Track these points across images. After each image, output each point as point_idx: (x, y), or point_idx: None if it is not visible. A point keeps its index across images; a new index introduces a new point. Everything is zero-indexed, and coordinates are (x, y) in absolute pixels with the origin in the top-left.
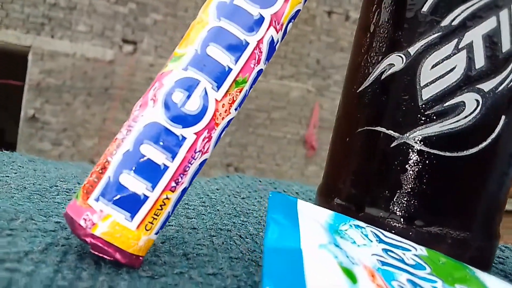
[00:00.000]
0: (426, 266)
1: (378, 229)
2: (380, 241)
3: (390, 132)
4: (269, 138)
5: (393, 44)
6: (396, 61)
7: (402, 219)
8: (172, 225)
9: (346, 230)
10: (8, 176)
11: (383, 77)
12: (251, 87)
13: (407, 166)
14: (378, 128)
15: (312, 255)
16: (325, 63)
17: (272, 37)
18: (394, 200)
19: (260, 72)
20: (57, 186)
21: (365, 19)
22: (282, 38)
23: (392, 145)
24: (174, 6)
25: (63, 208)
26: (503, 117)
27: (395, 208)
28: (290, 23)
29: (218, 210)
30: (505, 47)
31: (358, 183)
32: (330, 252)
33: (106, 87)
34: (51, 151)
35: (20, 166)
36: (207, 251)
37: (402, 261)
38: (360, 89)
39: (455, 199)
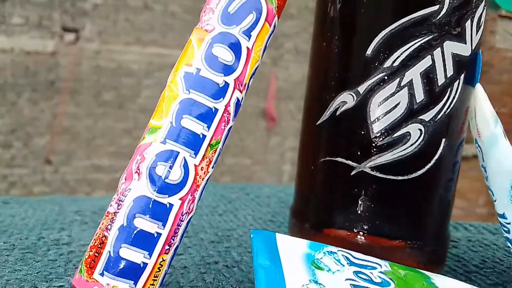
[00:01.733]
0: (391, 281)
1: (348, 251)
2: (351, 263)
3: (349, 162)
4: None
5: (344, 84)
6: (347, 99)
7: (367, 237)
8: None
9: (321, 258)
10: None
11: (337, 113)
12: (223, 144)
13: (366, 191)
14: (338, 159)
15: None
16: (276, 33)
17: (238, 98)
18: (358, 221)
19: (230, 129)
20: (44, 237)
21: (316, 57)
22: (246, 93)
23: (352, 173)
24: None
25: (58, 266)
26: (443, 140)
27: (359, 228)
28: (252, 79)
29: (201, 239)
30: (440, 81)
31: (325, 208)
32: None
33: (51, 80)
34: (1, 154)
35: None
36: None
37: (371, 281)
38: (318, 122)
39: (409, 214)
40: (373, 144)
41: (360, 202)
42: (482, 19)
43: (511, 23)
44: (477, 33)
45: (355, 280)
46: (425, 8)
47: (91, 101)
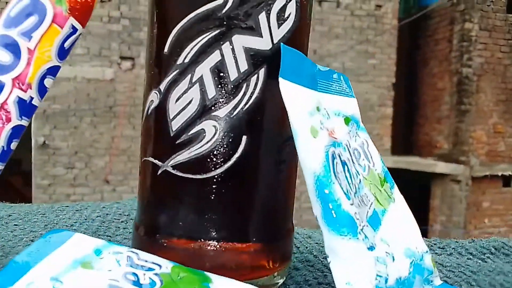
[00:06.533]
0: (159, 283)
1: (139, 252)
2: (130, 264)
3: (156, 161)
4: None
5: (152, 82)
6: (154, 98)
7: (174, 242)
8: None
9: (102, 258)
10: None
11: (148, 112)
12: (9, 143)
13: (170, 191)
14: (150, 159)
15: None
16: (322, 53)
17: (19, 97)
18: (166, 224)
19: (19, 127)
20: None
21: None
22: (41, 93)
23: (158, 172)
24: None
25: None
26: (244, 137)
27: (169, 231)
28: (47, 79)
29: None
30: (233, 75)
31: (143, 208)
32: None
33: (110, 105)
34: (65, 175)
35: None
36: None
37: (136, 282)
38: (142, 122)
39: (217, 215)
40: (173, 142)
41: (166, 203)
42: (289, 11)
43: None
44: (280, 26)
45: (117, 281)
46: (210, 3)
47: None
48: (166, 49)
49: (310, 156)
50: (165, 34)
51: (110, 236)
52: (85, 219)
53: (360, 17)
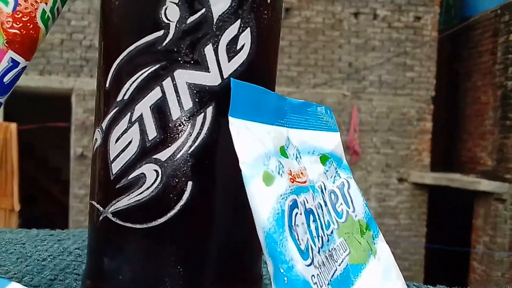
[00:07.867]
0: None
1: None
2: None
3: (98, 206)
4: None
5: (97, 119)
6: (98, 136)
7: None
8: None
9: None
10: None
11: (93, 151)
12: None
13: (110, 240)
14: (93, 202)
15: None
16: (358, 65)
17: None
18: (106, 275)
19: None
20: None
21: None
22: None
23: (100, 218)
24: None
25: None
26: (190, 183)
27: (106, 283)
28: None
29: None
30: (175, 115)
31: (88, 255)
32: None
33: None
34: None
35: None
36: None
37: None
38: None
39: (161, 268)
40: (113, 186)
41: (106, 254)
42: (242, 42)
43: None
44: (231, 59)
45: None
46: (149, 35)
47: None
48: (107, 85)
49: (260, 208)
50: (107, 68)
51: (77, 275)
52: (62, 252)
53: (397, 29)
